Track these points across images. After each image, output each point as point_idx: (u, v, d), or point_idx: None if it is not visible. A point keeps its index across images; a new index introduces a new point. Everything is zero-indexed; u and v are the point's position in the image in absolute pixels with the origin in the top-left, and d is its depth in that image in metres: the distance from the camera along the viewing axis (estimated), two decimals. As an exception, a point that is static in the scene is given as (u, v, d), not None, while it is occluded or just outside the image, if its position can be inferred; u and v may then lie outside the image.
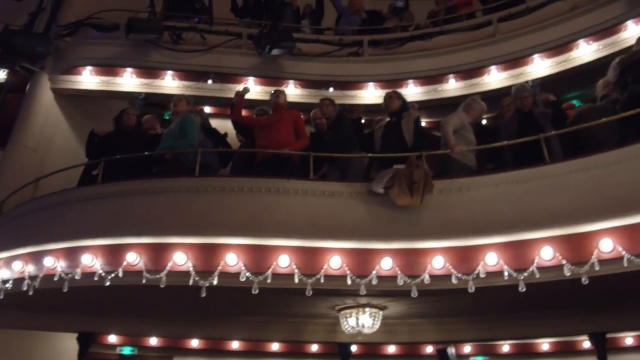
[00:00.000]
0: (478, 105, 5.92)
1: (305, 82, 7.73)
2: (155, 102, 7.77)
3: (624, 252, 4.27)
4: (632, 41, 5.79)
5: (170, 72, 7.68)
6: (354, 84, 7.71)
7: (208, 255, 4.80)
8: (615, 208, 4.41)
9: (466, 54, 7.43)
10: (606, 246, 4.36)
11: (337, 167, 5.75)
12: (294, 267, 4.70)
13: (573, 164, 4.67)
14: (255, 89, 7.44)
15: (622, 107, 4.95)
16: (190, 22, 8.01)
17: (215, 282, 4.67)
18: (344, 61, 7.76)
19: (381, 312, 5.63)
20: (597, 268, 4.32)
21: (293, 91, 7.67)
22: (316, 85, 7.70)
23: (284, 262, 4.70)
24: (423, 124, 6.41)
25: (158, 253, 4.86)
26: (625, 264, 4.24)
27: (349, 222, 4.89)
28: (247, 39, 7.79)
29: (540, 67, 7.12)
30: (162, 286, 4.71)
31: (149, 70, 7.69)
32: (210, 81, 7.65)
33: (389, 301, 5.41)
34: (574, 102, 7.08)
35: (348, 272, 4.69)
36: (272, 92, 6.22)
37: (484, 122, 6.92)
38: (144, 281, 4.75)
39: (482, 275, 4.61)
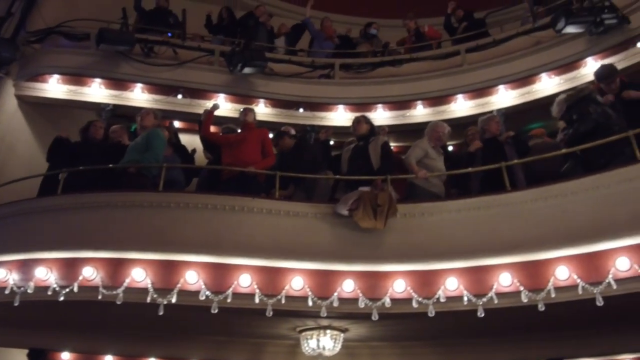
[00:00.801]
0: (439, 128, 6.01)
1: (276, 102, 7.77)
2: (123, 114, 7.65)
3: (579, 280, 4.38)
4: (591, 77, 6.08)
5: (139, 85, 7.60)
6: (324, 105, 7.78)
7: (168, 272, 4.72)
8: (572, 237, 4.54)
9: (435, 81, 7.61)
10: (562, 274, 4.46)
11: (303, 188, 5.76)
12: (255, 286, 4.65)
13: (533, 192, 4.81)
14: (225, 106, 7.47)
15: (566, 143, 5.17)
16: (163, 36, 7.99)
17: (174, 300, 4.58)
18: (315, 83, 7.84)
19: (342, 335, 5.59)
20: (553, 295, 4.42)
21: (263, 110, 7.69)
22: (287, 105, 7.75)
23: (245, 282, 4.66)
24: (392, 147, 6.49)
25: (116, 268, 4.75)
26: (580, 292, 4.35)
27: (312, 243, 4.89)
28: (220, 56, 7.80)
29: (505, 97, 7.35)
30: (118, 303, 4.59)
31: (118, 82, 7.59)
32: (180, 96, 7.60)
33: (351, 323, 5.39)
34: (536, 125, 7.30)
35: (309, 293, 4.67)
36: (241, 110, 6.22)
37: (450, 148, 7.10)
38: (100, 297, 4.62)
39: (442, 300, 4.66)
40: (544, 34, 7.12)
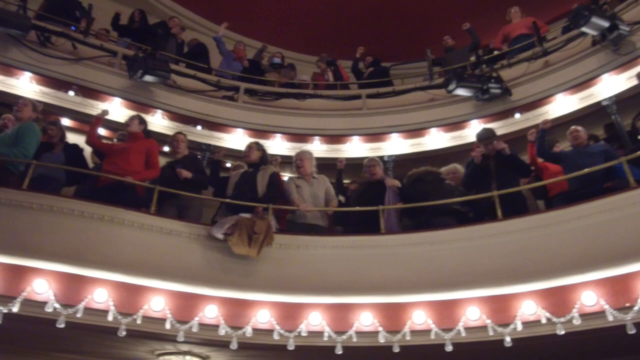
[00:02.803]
0: (296, 157, 6.08)
1: (175, 115, 7.55)
2: (4, 102, 7.07)
3: (432, 326, 4.61)
4: (473, 137, 6.53)
5: (28, 74, 7.06)
6: (224, 127, 7.69)
7: (14, 277, 4.31)
8: (435, 283, 4.81)
9: (335, 120, 7.86)
10: (419, 318, 4.68)
11: (176, 205, 5.56)
12: (111, 303, 4.38)
13: (405, 238, 5.07)
14: (121, 112, 7.15)
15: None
16: (66, 28, 7.55)
17: (15, 310, 4.18)
18: (217, 103, 7.75)
19: (203, 362, 5.42)
20: (408, 338, 4.62)
21: (160, 121, 7.47)
22: (185, 120, 7.56)
23: (100, 297, 4.37)
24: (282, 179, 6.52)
25: (-47, 269, 4.28)
26: (433, 337, 4.58)
27: (181, 264, 4.74)
28: (122, 59, 7.51)
29: (397, 145, 7.75)
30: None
31: (5, 67, 7.02)
32: (72, 93, 7.16)
33: (212, 351, 5.22)
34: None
35: (169, 315, 4.49)
36: (129, 117, 5.97)
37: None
38: None
39: (303, 334, 4.67)
40: (438, 92, 7.63)
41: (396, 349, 4.61)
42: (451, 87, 7.01)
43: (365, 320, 4.70)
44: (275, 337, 4.62)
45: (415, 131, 7.68)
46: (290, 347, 4.60)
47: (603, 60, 6.67)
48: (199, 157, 6.54)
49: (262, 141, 6.75)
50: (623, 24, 6.36)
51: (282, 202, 5.61)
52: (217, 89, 7.85)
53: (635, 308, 4.09)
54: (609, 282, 4.29)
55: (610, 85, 6.68)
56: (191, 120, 7.58)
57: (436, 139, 7.63)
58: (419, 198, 5.46)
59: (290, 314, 4.74)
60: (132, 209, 4.84)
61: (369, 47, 9.46)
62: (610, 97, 6.64)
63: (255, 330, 4.63)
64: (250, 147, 5.99)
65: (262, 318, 4.66)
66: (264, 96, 8.01)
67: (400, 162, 7.58)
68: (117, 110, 7.14)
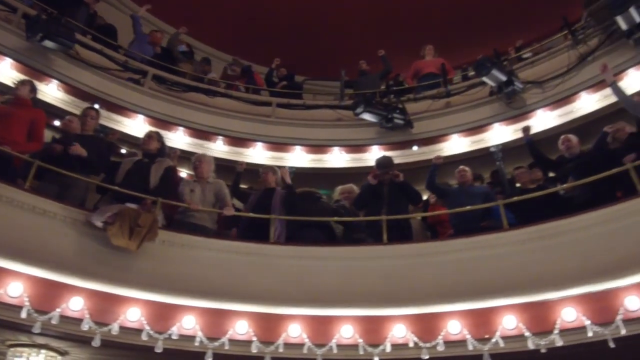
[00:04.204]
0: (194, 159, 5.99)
1: (72, 89, 7.00)
2: None
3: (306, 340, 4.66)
4: (373, 162, 6.72)
5: None
6: (125, 110, 7.27)
7: None
8: (311, 298, 4.85)
9: (242, 123, 7.76)
10: (294, 331, 4.71)
11: (59, 183, 5.12)
12: (-40, 283, 3.94)
13: (288, 249, 5.12)
14: (11, 74, 6.52)
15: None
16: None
17: None
18: (121, 84, 7.33)
19: (60, 358, 5.01)
20: (281, 350, 4.63)
21: (54, 93, 6.90)
22: (83, 96, 7.03)
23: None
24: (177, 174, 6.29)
25: None
26: (305, 351, 4.63)
27: (49, 248, 4.38)
28: (22, 17, 6.86)
29: (299, 157, 7.82)
30: None
31: None
32: (-44, 42, 6.42)
33: (72, 346, 4.85)
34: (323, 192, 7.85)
35: (27, 303, 4.11)
36: (20, 81, 5.45)
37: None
38: None
39: (174, 337, 4.50)
40: (346, 113, 7.84)
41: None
42: (359, 110, 7.23)
43: (241, 329, 4.64)
44: (144, 337, 4.40)
45: (319, 147, 7.81)
46: (159, 350, 4.42)
47: (496, 110, 7.26)
48: (102, 139, 6.06)
49: (163, 132, 6.50)
50: (518, 81, 6.98)
51: (173, 200, 5.39)
52: (124, 69, 7.44)
53: (494, 340, 4.42)
54: (471, 314, 4.60)
55: (500, 134, 7.27)
56: (89, 97, 7.04)
57: (338, 158, 7.81)
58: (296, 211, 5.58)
59: (163, 315, 4.56)
60: (3, 182, 4.38)
61: (286, 58, 9.50)
62: (497, 145, 7.21)
63: (122, 328, 4.38)
64: (150, 135, 5.73)
65: (132, 316, 4.43)
66: (173, 86, 7.72)
67: (301, 175, 7.61)
68: (7, 71, 6.52)
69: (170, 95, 7.64)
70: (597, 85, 6.56)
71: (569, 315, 4.28)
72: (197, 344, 4.54)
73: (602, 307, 4.21)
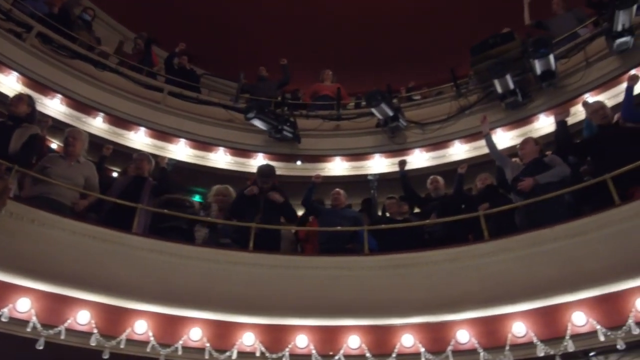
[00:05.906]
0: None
1: None
2: None
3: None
4: (255, 167, 6.72)
5: None
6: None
7: None
8: (164, 296, 4.73)
9: (128, 104, 7.36)
10: (196, 334, 4.66)
11: None
12: None
13: (148, 242, 4.94)
14: None
15: None
16: None
17: None
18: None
19: None
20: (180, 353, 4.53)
21: None
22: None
23: None
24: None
25: None
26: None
27: None
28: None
29: (180, 151, 7.62)
30: None
31: None
32: None
33: None
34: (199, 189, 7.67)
35: None
36: None
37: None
38: None
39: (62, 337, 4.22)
40: (237, 115, 7.78)
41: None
42: (250, 115, 7.21)
43: (140, 329, 4.48)
44: (29, 329, 4.14)
45: (205, 144, 7.66)
46: (40, 347, 4.14)
47: (380, 142, 7.70)
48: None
49: (37, 96, 5.99)
50: (403, 119, 7.46)
51: (33, 171, 4.96)
52: (6, 18, 6.71)
53: (337, 357, 4.63)
54: (319, 330, 4.78)
55: (379, 164, 7.72)
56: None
57: (221, 158, 7.73)
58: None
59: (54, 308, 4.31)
60: None
61: (190, 47, 9.21)
62: (375, 174, 7.64)
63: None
64: (20, 97, 5.27)
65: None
66: (59, 49, 7.08)
67: (180, 169, 7.44)
68: None
69: (54, 59, 7.00)
70: (469, 136, 7.24)
71: (407, 341, 4.61)
72: (29, 329, 4.17)
73: (437, 337, 4.60)
